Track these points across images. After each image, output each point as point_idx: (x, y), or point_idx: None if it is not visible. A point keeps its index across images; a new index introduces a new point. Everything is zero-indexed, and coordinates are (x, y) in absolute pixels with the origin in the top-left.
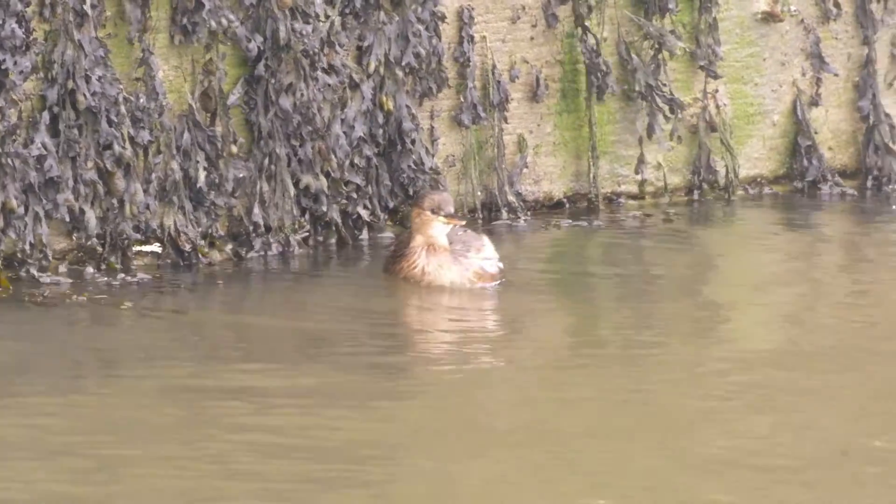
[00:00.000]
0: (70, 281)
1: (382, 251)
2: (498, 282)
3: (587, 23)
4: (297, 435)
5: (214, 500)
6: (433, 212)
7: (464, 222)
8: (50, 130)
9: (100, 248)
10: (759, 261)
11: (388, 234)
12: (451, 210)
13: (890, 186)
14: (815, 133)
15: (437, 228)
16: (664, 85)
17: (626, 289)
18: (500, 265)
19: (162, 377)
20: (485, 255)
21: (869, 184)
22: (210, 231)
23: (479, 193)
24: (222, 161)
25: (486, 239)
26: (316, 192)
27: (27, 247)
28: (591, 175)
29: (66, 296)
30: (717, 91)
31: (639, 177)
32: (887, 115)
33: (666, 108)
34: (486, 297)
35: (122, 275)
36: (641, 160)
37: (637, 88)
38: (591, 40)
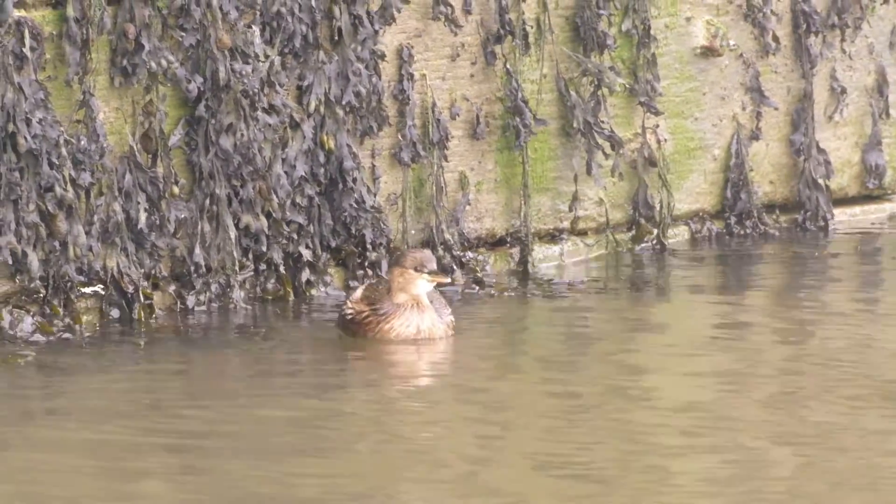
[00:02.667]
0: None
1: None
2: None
3: (508, 66)
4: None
5: None
6: (416, 269)
7: (448, 280)
8: None
9: (43, 291)
10: (689, 326)
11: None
12: (434, 267)
13: (816, 224)
14: (751, 170)
15: (421, 286)
16: (604, 122)
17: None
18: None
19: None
20: (449, 310)
21: (801, 218)
22: (153, 272)
23: (412, 232)
24: (164, 202)
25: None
26: (256, 233)
27: None
28: (522, 214)
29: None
30: (657, 126)
31: (573, 214)
32: (821, 150)
33: (606, 144)
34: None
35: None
36: (576, 197)
37: (575, 125)
38: (514, 83)
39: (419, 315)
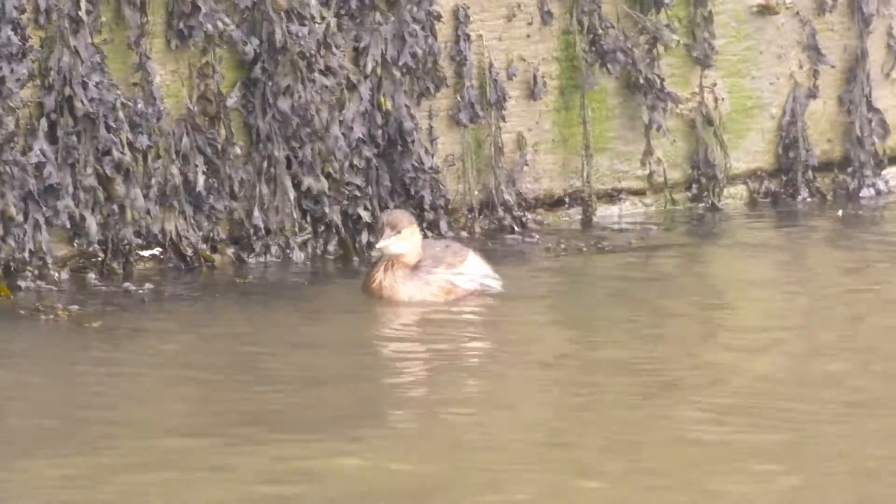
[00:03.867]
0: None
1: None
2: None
3: (582, 16)
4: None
5: None
6: (391, 228)
7: (378, 246)
8: (48, 137)
9: (101, 255)
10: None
11: None
12: (403, 228)
13: (861, 181)
14: (807, 129)
15: (394, 244)
16: (661, 79)
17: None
18: (488, 282)
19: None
20: (458, 271)
21: (849, 178)
22: (212, 235)
23: (476, 193)
24: (223, 164)
25: (469, 254)
26: (317, 194)
27: (27, 254)
28: (585, 174)
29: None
30: (714, 85)
31: (647, 168)
32: (874, 108)
33: (663, 102)
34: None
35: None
36: (649, 152)
37: (640, 82)
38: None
39: (384, 272)
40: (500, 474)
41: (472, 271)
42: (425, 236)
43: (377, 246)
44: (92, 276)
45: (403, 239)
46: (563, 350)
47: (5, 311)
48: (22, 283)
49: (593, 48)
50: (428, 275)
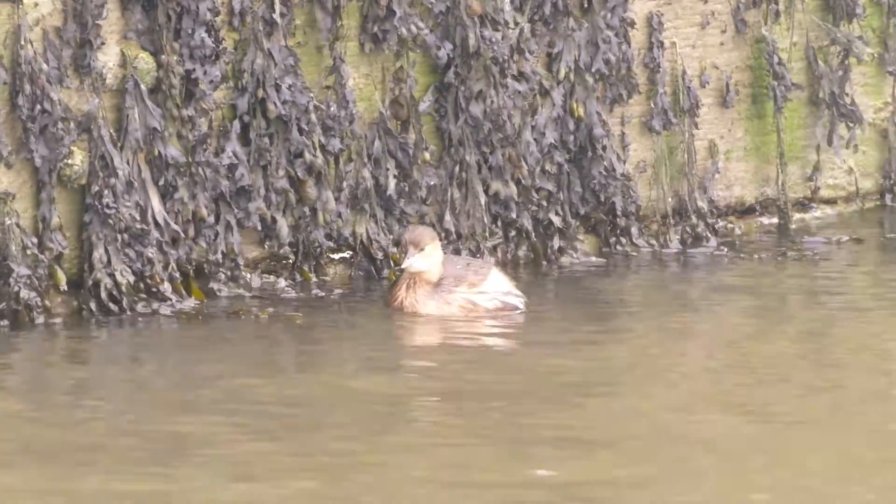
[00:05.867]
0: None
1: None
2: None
3: (764, 31)
4: None
5: None
6: (414, 246)
7: (403, 266)
8: (241, 139)
9: (292, 257)
10: None
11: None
12: (426, 245)
13: None
14: None
15: (405, 263)
16: (847, 94)
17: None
18: (510, 299)
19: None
20: (480, 290)
21: None
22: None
23: (669, 199)
24: (415, 169)
25: (491, 272)
26: (505, 199)
27: (219, 256)
28: (780, 182)
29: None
30: None
31: (813, 183)
32: None
33: (845, 119)
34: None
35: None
36: (817, 168)
37: (821, 95)
38: (772, 46)
39: (406, 291)
40: None
41: (494, 289)
42: (617, 244)
43: (402, 266)
44: (282, 278)
45: (426, 256)
46: None
47: (212, 315)
48: (215, 286)
49: (777, 66)
50: (448, 294)
